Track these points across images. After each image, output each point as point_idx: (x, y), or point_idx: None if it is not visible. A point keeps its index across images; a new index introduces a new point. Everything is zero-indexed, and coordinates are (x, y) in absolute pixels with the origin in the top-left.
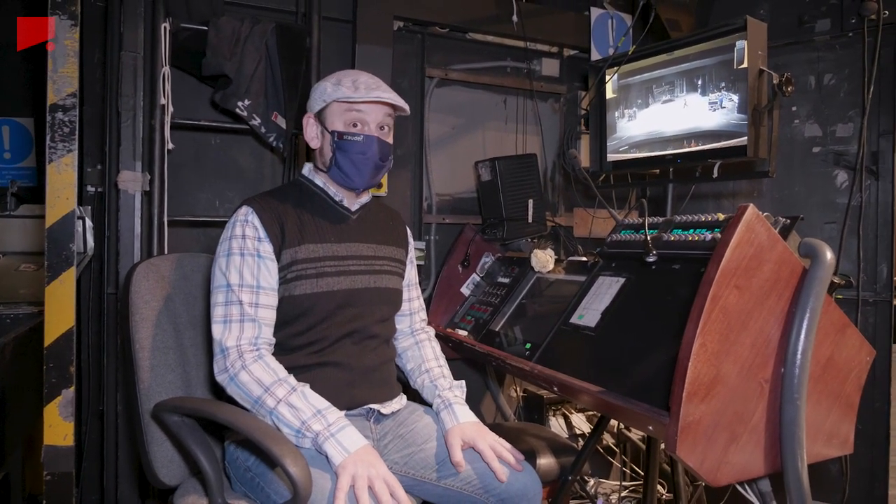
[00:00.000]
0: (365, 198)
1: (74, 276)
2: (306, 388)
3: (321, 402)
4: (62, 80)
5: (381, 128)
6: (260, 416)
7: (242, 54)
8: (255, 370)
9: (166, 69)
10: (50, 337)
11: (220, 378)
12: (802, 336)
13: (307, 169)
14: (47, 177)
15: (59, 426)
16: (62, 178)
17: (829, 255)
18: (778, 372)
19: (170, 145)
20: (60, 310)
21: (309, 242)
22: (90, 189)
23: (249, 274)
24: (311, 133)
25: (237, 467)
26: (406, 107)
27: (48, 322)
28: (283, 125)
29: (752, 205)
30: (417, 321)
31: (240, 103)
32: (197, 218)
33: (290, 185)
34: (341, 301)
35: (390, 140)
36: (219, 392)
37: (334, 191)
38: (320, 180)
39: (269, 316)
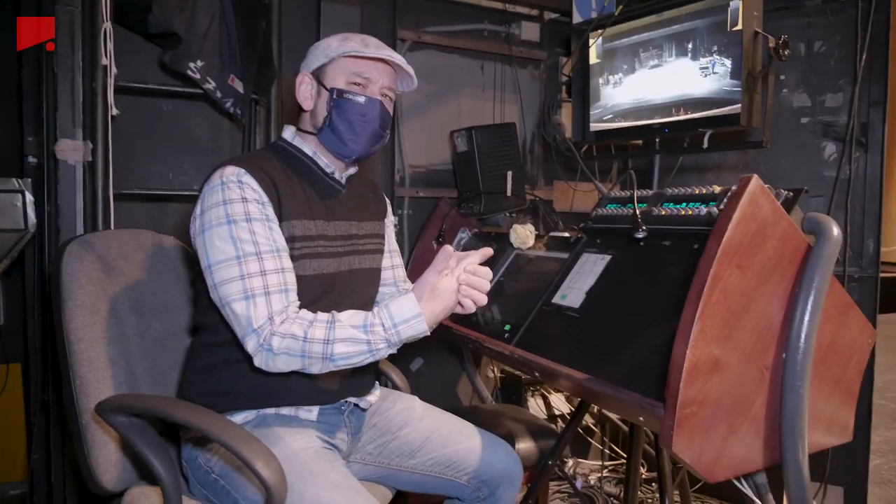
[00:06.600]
0: (352, 169)
1: None
2: (336, 314)
3: (357, 318)
4: None
5: (385, 94)
6: (323, 368)
7: (194, 10)
8: (283, 329)
9: (108, 25)
10: None
11: (257, 358)
12: (807, 319)
13: (289, 133)
14: None
15: None
16: None
17: (835, 231)
18: (779, 358)
19: (114, 111)
20: None
21: (304, 218)
22: (31, 160)
23: (264, 238)
24: (305, 92)
25: (196, 468)
26: (413, 76)
27: None
28: (241, 89)
29: (755, 176)
30: (402, 288)
31: (192, 65)
32: (148, 191)
33: (269, 150)
34: (326, 286)
35: (391, 111)
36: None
37: (326, 161)
38: (309, 148)
39: (293, 279)
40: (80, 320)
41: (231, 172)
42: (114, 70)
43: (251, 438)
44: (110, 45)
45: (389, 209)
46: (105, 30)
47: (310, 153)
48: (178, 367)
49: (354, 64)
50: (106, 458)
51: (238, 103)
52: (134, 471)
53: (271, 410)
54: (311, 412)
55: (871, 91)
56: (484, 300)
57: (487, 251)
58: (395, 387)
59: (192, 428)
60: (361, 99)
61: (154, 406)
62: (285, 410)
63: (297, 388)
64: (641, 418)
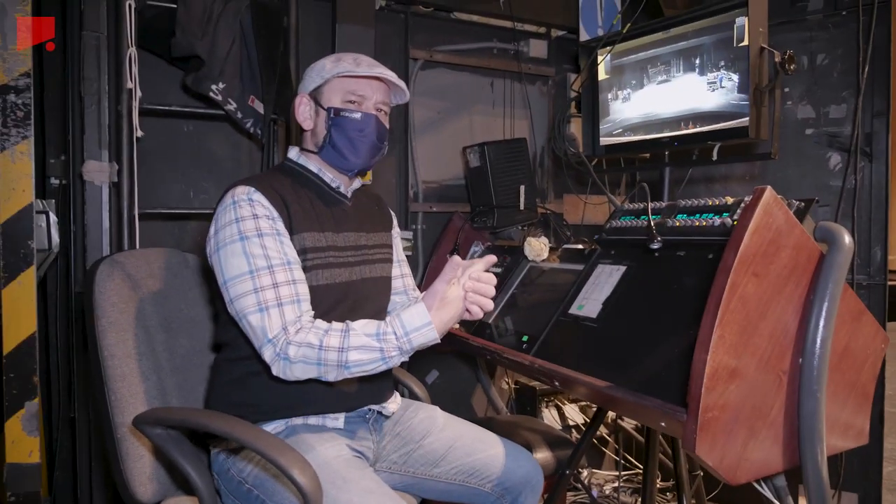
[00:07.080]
0: (357, 183)
1: (35, 276)
2: (350, 323)
3: (370, 327)
4: (14, 59)
5: (379, 109)
6: (338, 375)
7: (215, 34)
8: (299, 338)
9: (132, 50)
10: (9, 345)
11: (275, 367)
12: (822, 325)
13: (294, 153)
14: None
15: (22, 442)
16: (17, 167)
17: (847, 239)
18: (796, 363)
19: (139, 133)
20: (20, 314)
21: (314, 230)
22: (54, 181)
23: (275, 252)
24: (304, 113)
25: (229, 479)
26: (406, 90)
27: (6, 328)
28: (261, 110)
29: (769, 187)
30: (412, 296)
31: (213, 87)
32: (170, 210)
33: (278, 170)
34: (340, 295)
35: (387, 124)
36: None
37: (331, 177)
38: (314, 165)
39: (306, 290)
40: (112, 337)
41: (241, 191)
42: (138, 93)
43: (286, 447)
44: (135, 70)
45: (395, 221)
46: (130, 55)
47: (315, 170)
48: (204, 382)
49: (348, 83)
50: (141, 470)
51: (258, 123)
52: (168, 482)
53: (299, 420)
54: (338, 420)
55: (874, 102)
56: (490, 305)
57: (491, 258)
58: (415, 397)
59: (229, 437)
60: (357, 115)
61: (190, 418)
62: (313, 420)
63: (318, 396)
64: (663, 423)
